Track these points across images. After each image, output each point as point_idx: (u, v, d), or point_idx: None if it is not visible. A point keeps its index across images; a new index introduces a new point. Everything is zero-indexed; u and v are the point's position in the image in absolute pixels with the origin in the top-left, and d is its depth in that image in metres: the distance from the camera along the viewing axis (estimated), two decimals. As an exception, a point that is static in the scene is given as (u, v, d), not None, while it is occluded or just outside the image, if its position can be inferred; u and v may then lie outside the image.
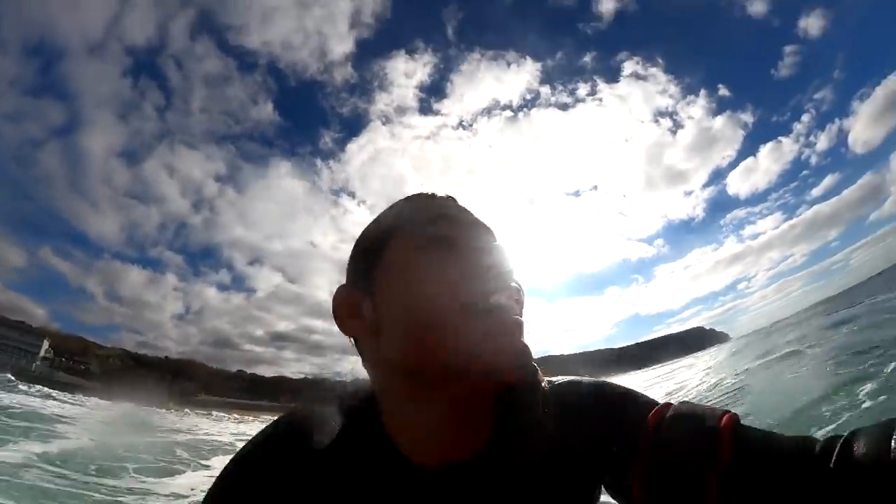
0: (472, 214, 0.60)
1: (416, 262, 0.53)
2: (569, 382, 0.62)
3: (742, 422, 0.51)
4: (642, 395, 0.60)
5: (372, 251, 0.58)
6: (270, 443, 0.55)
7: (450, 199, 0.61)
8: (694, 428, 0.49)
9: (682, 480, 0.48)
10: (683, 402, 0.54)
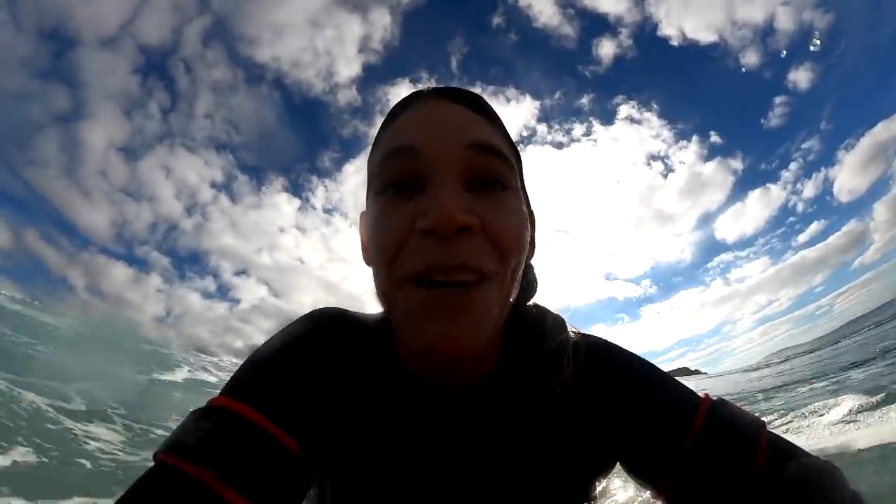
0: (440, 130, 0.49)
1: (373, 210, 0.50)
2: (611, 347, 0.62)
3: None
4: (683, 386, 0.59)
5: (368, 178, 0.55)
6: (304, 338, 0.55)
7: (426, 104, 0.52)
8: (735, 439, 0.52)
9: (709, 489, 0.50)
10: (723, 403, 0.56)
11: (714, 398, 0.57)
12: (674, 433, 0.53)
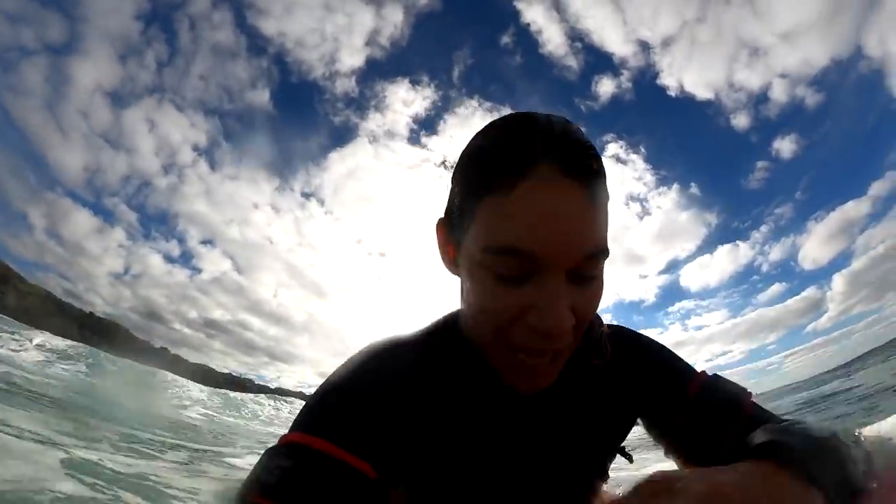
0: (565, 223, 0.47)
1: (478, 279, 0.51)
2: (626, 330, 0.73)
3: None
4: (682, 360, 0.71)
5: (458, 209, 0.54)
6: (363, 365, 0.56)
7: (546, 189, 0.47)
8: (725, 396, 0.63)
9: (708, 437, 0.61)
10: (717, 376, 0.67)
11: (707, 373, 0.68)
12: (679, 390, 0.65)
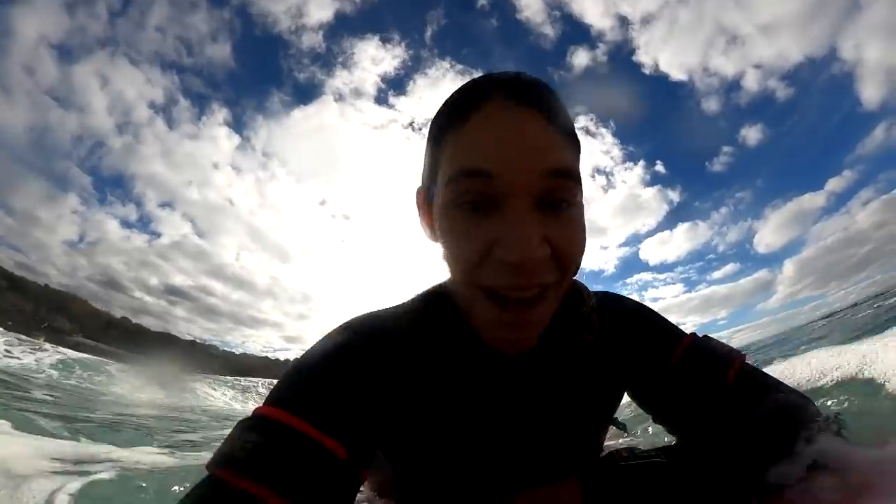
0: (525, 140, 0.47)
1: (447, 220, 0.51)
2: (614, 297, 0.72)
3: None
4: (672, 324, 0.69)
5: (429, 167, 0.55)
6: (341, 343, 0.55)
7: (501, 115, 0.48)
8: (710, 361, 0.62)
9: (690, 404, 0.60)
10: (707, 337, 0.66)
11: (697, 334, 0.66)
12: (662, 356, 0.63)
